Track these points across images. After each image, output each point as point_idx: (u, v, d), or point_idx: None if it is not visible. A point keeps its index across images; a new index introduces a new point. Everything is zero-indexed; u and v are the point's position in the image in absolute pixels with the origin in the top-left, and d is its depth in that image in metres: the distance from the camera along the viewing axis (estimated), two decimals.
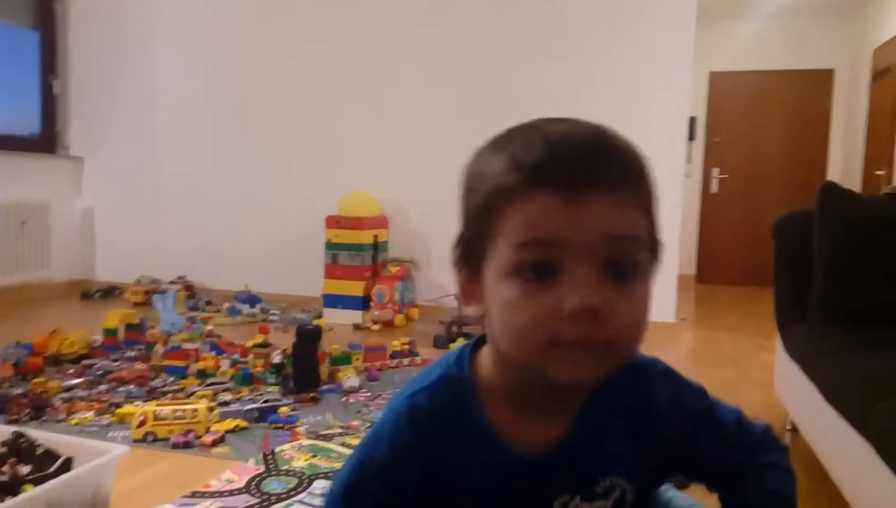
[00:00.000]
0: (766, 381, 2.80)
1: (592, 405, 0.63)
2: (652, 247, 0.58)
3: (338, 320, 3.70)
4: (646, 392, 0.66)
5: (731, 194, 6.05)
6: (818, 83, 5.80)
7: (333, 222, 3.81)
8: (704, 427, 0.67)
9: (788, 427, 2.21)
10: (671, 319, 3.81)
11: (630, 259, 0.54)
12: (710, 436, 0.67)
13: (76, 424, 2.03)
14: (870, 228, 1.88)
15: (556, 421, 0.63)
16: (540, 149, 0.54)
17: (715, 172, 6.08)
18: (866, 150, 5.09)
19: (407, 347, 2.92)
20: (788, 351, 1.99)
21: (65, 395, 2.27)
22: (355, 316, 3.74)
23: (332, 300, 3.81)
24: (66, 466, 1.38)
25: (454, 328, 3.24)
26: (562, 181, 0.52)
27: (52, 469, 1.36)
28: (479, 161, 0.60)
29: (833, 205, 1.93)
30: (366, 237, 3.80)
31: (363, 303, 3.75)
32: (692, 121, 4.85)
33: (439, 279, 3.96)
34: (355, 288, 3.76)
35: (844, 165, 5.67)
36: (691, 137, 5.16)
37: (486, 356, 0.64)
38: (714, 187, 6.09)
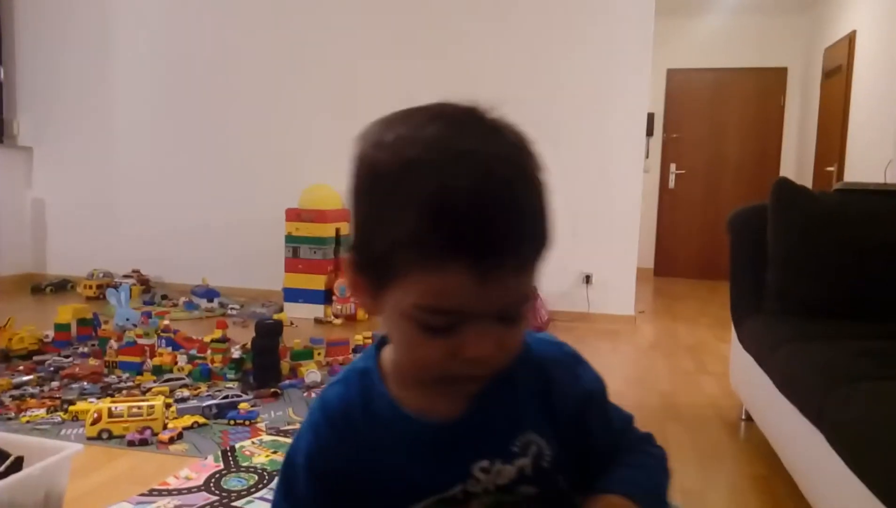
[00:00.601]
0: (723, 371, 2.87)
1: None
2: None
3: (299, 314, 3.66)
4: (545, 365, 0.67)
5: (688, 189, 6.17)
6: (773, 81, 5.95)
7: (294, 214, 3.76)
8: (596, 414, 0.68)
9: (743, 417, 2.28)
10: (630, 312, 3.87)
11: (521, 310, 0.57)
12: (599, 423, 0.68)
13: (27, 422, 1.96)
14: (822, 222, 1.93)
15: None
16: (457, 210, 0.50)
17: (672, 167, 6.19)
18: (817, 147, 5.24)
19: (370, 341, 2.91)
20: (743, 343, 2.04)
21: (14, 392, 2.20)
22: (317, 310, 3.70)
23: (292, 295, 3.77)
24: (17, 465, 1.33)
25: None
26: (475, 258, 0.50)
27: (2, 468, 1.31)
28: (384, 170, 0.54)
29: (786, 200, 1.98)
30: (328, 230, 3.76)
31: (325, 297, 3.72)
32: (650, 117, 4.92)
33: None
34: (317, 282, 3.72)
35: (798, 161, 5.84)
36: (649, 133, 5.24)
37: (391, 348, 0.67)
38: (671, 183, 6.21)
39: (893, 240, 1.86)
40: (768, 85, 5.96)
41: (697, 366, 3.02)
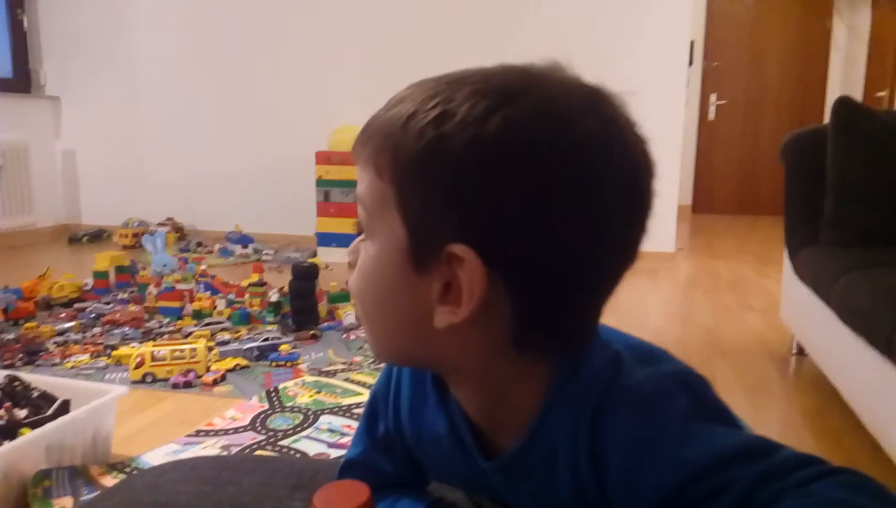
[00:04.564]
0: (767, 306, 2.80)
1: (546, 418, 0.52)
2: None
3: (333, 258, 3.63)
4: (601, 417, 0.49)
5: (728, 121, 5.94)
6: (819, 2, 5.62)
7: (324, 157, 3.70)
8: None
9: (794, 352, 2.21)
10: (670, 249, 3.77)
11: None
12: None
13: (72, 367, 1.98)
14: (885, 143, 1.81)
15: (513, 418, 0.54)
16: None
17: (712, 98, 5.95)
18: (867, 71, 4.98)
19: None
20: (799, 274, 1.95)
21: (58, 339, 2.21)
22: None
23: (325, 239, 3.74)
24: (64, 408, 1.33)
25: None
26: None
27: (50, 411, 1.32)
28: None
29: (847, 121, 1.85)
30: None
31: None
32: (690, 45, 4.69)
33: None
34: (349, 226, 3.68)
35: (845, 88, 5.56)
36: (689, 61, 5.01)
37: None
38: (711, 115, 5.98)
39: None
40: (815, 6, 5.64)
41: (740, 302, 2.94)
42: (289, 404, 1.70)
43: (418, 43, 3.89)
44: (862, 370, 1.44)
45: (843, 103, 1.87)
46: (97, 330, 2.32)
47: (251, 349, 2.06)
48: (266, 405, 1.69)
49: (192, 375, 1.84)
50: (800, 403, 1.84)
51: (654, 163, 0.49)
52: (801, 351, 2.17)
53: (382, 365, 0.69)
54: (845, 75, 5.56)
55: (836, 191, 1.85)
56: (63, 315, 2.49)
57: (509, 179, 0.44)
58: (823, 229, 1.90)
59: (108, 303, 2.64)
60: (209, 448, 1.46)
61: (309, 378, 1.89)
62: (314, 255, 3.64)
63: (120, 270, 2.89)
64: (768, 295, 3.01)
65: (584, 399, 0.50)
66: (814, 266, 1.82)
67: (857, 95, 5.12)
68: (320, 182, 3.71)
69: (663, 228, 3.74)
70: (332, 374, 1.92)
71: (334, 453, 1.44)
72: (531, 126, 0.44)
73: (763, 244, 4.49)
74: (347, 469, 0.69)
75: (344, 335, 2.32)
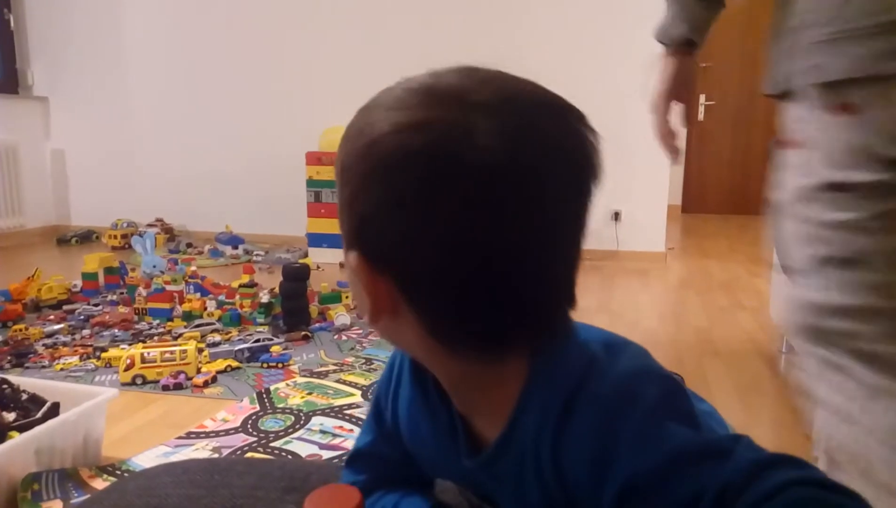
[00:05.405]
0: (759, 306, 2.81)
1: (518, 419, 0.51)
2: None
3: (324, 259, 3.63)
4: (566, 411, 0.49)
5: (718, 121, 5.96)
6: None
7: (314, 158, 3.69)
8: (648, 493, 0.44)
9: (784, 350, 2.22)
10: (660, 248, 3.79)
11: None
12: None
13: (61, 369, 1.96)
14: None
15: (492, 416, 0.53)
16: None
17: (701, 98, 5.97)
18: None
19: None
20: None
21: (47, 341, 2.20)
22: (341, 255, 3.63)
23: (316, 239, 3.73)
24: (54, 411, 1.32)
25: None
26: None
27: (39, 414, 1.30)
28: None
29: None
30: None
31: None
32: None
33: None
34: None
35: None
36: None
37: None
38: (700, 115, 6.00)
39: None
40: None
41: (732, 301, 2.95)
42: (280, 405, 1.70)
43: (410, 43, 3.89)
44: None
45: None
46: (86, 332, 2.31)
47: (242, 350, 2.05)
48: (257, 407, 1.68)
49: (182, 377, 1.83)
50: (791, 401, 1.85)
51: (581, 172, 0.46)
52: (791, 349, 2.18)
53: (374, 366, 0.69)
54: None
55: None
56: (52, 317, 2.47)
57: (382, 188, 0.44)
58: None
59: (97, 305, 2.62)
60: (200, 450, 1.45)
61: (300, 379, 1.88)
62: (305, 256, 3.63)
63: (109, 271, 2.87)
64: (759, 294, 3.03)
65: (551, 402, 0.49)
66: None
67: None
68: (311, 183, 3.70)
69: (653, 227, 3.76)
70: (324, 375, 1.91)
71: (326, 454, 1.43)
72: (398, 139, 0.43)
73: (754, 244, 4.51)
74: (356, 458, 0.69)
75: (335, 336, 2.31)
